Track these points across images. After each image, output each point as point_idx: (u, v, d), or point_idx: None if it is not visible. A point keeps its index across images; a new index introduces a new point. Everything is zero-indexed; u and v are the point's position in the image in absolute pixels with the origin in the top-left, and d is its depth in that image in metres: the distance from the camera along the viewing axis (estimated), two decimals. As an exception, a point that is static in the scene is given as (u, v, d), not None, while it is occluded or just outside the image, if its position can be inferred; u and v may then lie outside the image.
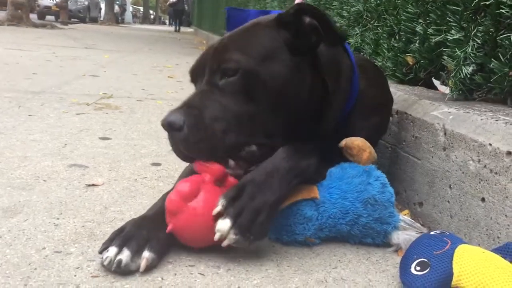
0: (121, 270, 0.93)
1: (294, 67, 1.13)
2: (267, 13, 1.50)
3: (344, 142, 1.23)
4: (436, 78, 1.86)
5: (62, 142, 1.85)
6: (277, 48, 1.13)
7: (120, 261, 0.92)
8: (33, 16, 14.15)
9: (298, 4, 1.14)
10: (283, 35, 1.14)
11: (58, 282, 0.89)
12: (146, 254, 0.96)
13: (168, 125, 1.05)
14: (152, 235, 1.00)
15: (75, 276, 0.92)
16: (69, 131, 2.05)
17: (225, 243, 0.97)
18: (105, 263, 0.93)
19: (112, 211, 1.24)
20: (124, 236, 0.98)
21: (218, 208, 0.98)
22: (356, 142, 1.22)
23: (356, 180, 1.16)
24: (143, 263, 0.94)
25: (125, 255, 0.94)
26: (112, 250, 0.94)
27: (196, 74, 1.19)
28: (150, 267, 0.96)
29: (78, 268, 0.95)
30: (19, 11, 11.11)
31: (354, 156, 1.22)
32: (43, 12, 20.02)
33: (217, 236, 0.97)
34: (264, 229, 1.02)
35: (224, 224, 0.96)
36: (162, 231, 1.03)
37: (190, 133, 1.04)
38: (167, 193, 1.17)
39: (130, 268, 0.94)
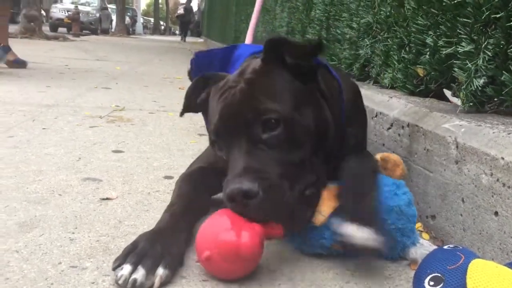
0: None
1: (316, 97, 1.18)
2: (232, 49, 1.51)
3: (380, 155, 1.29)
4: (447, 90, 1.86)
5: (76, 156, 1.88)
6: (297, 88, 1.14)
7: (135, 280, 0.93)
8: (46, 28, 14.33)
9: (266, 42, 1.16)
10: (289, 72, 1.15)
11: (75, 297, 0.90)
12: (160, 272, 0.96)
13: (243, 195, 0.98)
14: (166, 251, 1.01)
15: (91, 291, 0.93)
16: (82, 144, 2.08)
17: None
18: (120, 281, 0.93)
19: (126, 225, 1.26)
20: (139, 254, 0.98)
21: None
22: (392, 157, 1.29)
23: (385, 188, 1.17)
24: (157, 281, 0.95)
25: (140, 274, 0.94)
26: (127, 268, 0.94)
27: (222, 132, 1.11)
28: (164, 283, 0.97)
29: (93, 283, 0.96)
30: (32, 23, 11.25)
31: (388, 170, 1.27)
32: (56, 24, 20.26)
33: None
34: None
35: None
36: (174, 246, 1.04)
37: (267, 199, 0.99)
38: (172, 205, 1.22)
39: (144, 287, 0.94)
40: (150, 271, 0.95)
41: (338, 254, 1.14)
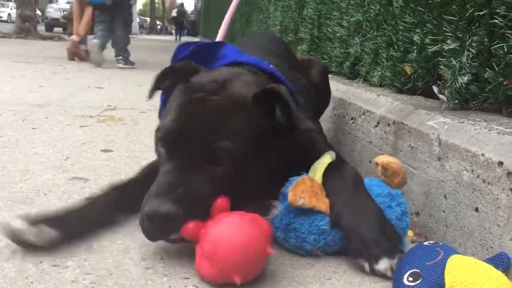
0: (18, 239, 1.04)
1: (277, 149, 1.17)
2: (219, 46, 1.42)
3: (380, 160, 1.22)
4: (436, 86, 1.87)
5: (64, 155, 1.88)
6: (263, 137, 1.13)
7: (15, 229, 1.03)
8: (41, 28, 14.29)
9: (268, 89, 1.14)
10: (264, 118, 1.14)
11: (54, 296, 0.91)
12: (46, 229, 1.06)
13: (162, 218, 1.00)
14: (60, 213, 1.13)
15: (71, 289, 0.93)
16: (71, 143, 2.07)
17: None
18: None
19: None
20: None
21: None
22: (392, 165, 1.21)
23: (379, 200, 1.16)
24: (42, 236, 1.05)
25: (19, 223, 1.03)
26: (15, 222, 1.05)
27: (171, 137, 1.10)
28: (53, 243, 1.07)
29: (74, 281, 0.96)
30: (27, 23, 11.23)
31: (386, 177, 1.22)
32: (51, 24, 20.24)
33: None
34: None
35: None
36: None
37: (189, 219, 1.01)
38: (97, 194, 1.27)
39: (26, 237, 1.04)
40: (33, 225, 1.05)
41: (318, 257, 1.15)
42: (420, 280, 0.93)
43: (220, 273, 0.95)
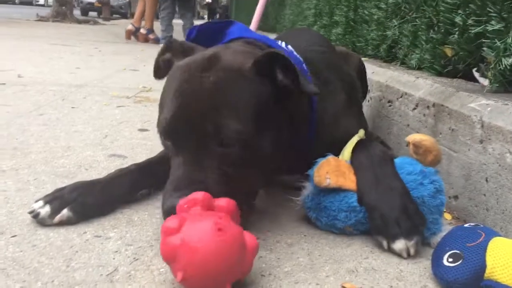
0: (37, 221, 1.08)
1: (281, 120, 1.11)
2: (228, 24, 1.38)
3: (412, 138, 1.18)
4: (476, 70, 1.82)
5: (103, 133, 1.92)
6: (268, 109, 1.07)
7: (38, 214, 1.08)
8: (77, 12, 14.52)
9: (270, 52, 1.07)
10: (265, 85, 1.07)
11: (98, 264, 0.93)
12: (64, 212, 1.09)
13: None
14: (80, 198, 1.13)
15: (113, 259, 0.96)
16: (109, 122, 2.12)
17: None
18: (28, 210, 1.10)
19: (149, 198, 1.28)
20: (54, 195, 1.13)
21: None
22: (424, 142, 1.17)
23: (410, 178, 1.14)
24: (57, 217, 1.08)
25: (45, 210, 1.08)
26: (39, 203, 1.10)
27: (173, 131, 1.04)
28: (67, 223, 1.09)
29: (116, 251, 0.99)
30: (63, 7, 11.44)
31: (419, 155, 1.18)
32: (86, 8, 20.66)
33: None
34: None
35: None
36: (91, 196, 1.15)
37: None
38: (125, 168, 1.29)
39: (46, 222, 1.08)
40: (56, 211, 1.09)
41: (351, 234, 1.15)
42: (460, 261, 0.92)
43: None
